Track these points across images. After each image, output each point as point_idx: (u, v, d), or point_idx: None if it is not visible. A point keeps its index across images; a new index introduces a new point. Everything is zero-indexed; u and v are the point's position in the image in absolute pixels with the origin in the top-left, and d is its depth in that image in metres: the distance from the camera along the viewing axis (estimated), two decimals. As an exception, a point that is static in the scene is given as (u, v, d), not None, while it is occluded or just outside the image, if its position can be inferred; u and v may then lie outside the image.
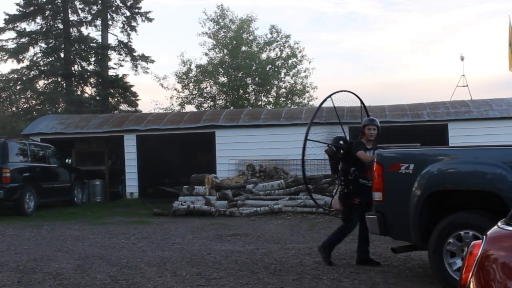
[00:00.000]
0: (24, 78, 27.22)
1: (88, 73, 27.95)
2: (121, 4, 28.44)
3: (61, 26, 27.56)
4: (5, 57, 26.79)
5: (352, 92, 8.47)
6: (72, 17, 27.68)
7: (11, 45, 26.95)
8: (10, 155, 13.71)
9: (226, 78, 32.26)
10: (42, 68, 27.27)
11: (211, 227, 10.79)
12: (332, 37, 53.62)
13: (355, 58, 53.34)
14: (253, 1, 51.35)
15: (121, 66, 29.82)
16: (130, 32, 28.65)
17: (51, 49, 27.11)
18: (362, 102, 8.50)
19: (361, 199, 6.81)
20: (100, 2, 27.50)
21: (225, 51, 32.42)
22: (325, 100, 8.29)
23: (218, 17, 32.71)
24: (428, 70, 52.79)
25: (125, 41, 28.63)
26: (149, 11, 28.61)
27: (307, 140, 8.01)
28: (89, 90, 28.78)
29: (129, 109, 28.81)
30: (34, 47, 27.30)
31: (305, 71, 32.45)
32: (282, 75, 32.58)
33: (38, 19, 27.13)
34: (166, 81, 33.84)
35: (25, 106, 28.35)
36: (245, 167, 15.95)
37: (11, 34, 28.47)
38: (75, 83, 27.89)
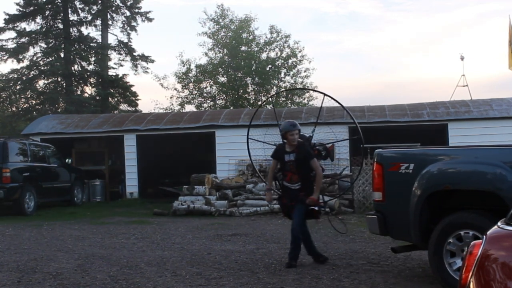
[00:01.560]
0: (24, 78, 27.21)
1: (88, 73, 27.94)
2: (121, 4, 28.45)
3: (61, 26, 27.55)
4: (5, 57, 26.78)
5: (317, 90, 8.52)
6: (72, 17, 27.68)
7: (11, 45, 26.97)
8: (10, 155, 13.72)
9: (226, 78, 32.27)
10: (42, 68, 27.26)
11: (211, 227, 10.79)
12: (332, 37, 53.71)
13: (356, 58, 53.43)
14: (253, 0, 51.40)
15: (121, 66, 29.88)
16: (130, 32, 28.68)
17: (51, 49, 27.09)
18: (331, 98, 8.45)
19: (287, 200, 6.81)
20: (100, 2, 27.50)
21: (225, 51, 32.43)
22: (263, 103, 8.47)
23: (219, 17, 32.74)
24: (428, 70, 52.89)
25: (125, 41, 28.66)
26: (149, 11, 28.65)
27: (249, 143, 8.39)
28: (89, 90, 28.80)
29: (129, 109, 28.81)
30: (34, 47, 27.32)
31: (305, 71, 32.49)
32: (282, 75, 32.59)
33: (38, 19, 27.13)
34: (166, 81, 33.94)
35: (25, 106, 28.34)
36: (245, 167, 15.95)
37: (11, 34, 28.51)
38: (75, 83, 27.88)
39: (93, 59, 28.02)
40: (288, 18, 51.63)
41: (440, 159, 5.67)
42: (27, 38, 26.94)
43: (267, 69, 31.75)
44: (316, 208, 6.71)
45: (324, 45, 52.14)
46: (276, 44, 32.60)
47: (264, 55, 32.55)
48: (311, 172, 6.75)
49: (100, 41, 28.04)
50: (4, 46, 26.80)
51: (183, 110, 30.94)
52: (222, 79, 32.34)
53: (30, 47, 27.16)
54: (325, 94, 8.18)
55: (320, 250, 7.91)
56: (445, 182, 5.53)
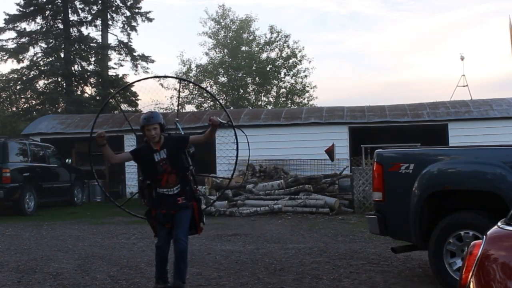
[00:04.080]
0: (24, 78, 27.19)
1: (88, 73, 27.93)
2: (121, 4, 28.43)
3: (61, 26, 27.54)
4: (5, 57, 26.76)
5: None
6: (72, 17, 27.67)
7: (11, 45, 26.95)
8: (10, 155, 13.72)
9: (226, 78, 32.29)
10: (42, 68, 27.25)
11: (211, 227, 10.77)
12: (333, 37, 53.75)
13: (357, 57, 53.49)
14: (255, 0, 51.44)
15: (121, 66, 29.88)
16: (130, 32, 28.65)
17: (51, 49, 27.08)
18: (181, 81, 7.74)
19: (162, 211, 5.41)
20: (100, 2, 27.48)
21: (225, 51, 32.45)
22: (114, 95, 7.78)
23: (219, 17, 32.76)
24: (428, 70, 52.95)
25: (125, 41, 28.64)
26: (149, 11, 28.62)
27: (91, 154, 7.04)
28: (89, 90, 28.78)
29: (129, 109, 28.81)
30: (34, 47, 27.29)
31: (304, 71, 32.51)
32: (282, 75, 32.62)
33: (38, 19, 27.11)
34: (166, 81, 33.90)
35: (25, 106, 28.33)
36: (245, 167, 15.92)
37: (11, 34, 28.50)
38: (75, 83, 27.87)
39: (93, 59, 28.01)
40: (289, 18, 51.75)
41: (440, 159, 5.67)
42: (27, 38, 26.92)
43: (267, 69, 31.77)
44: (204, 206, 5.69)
45: (325, 45, 52.24)
46: (276, 44, 32.63)
47: (264, 55, 32.59)
48: (187, 170, 5.57)
49: (100, 41, 28.03)
50: (4, 46, 26.78)
51: (183, 110, 30.94)
52: (223, 79, 32.37)
53: (30, 47, 27.15)
54: (181, 79, 7.03)
55: (320, 250, 7.93)
56: (445, 182, 5.53)
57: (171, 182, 5.40)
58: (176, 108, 31.99)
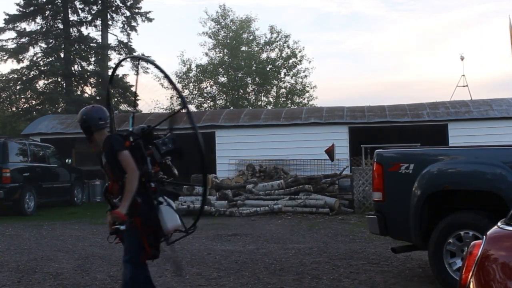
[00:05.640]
0: (24, 78, 27.17)
1: (88, 73, 27.91)
2: (121, 4, 28.41)
3: (61, 26, 27.53)
4: (5, 57, 26.74)
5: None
6: (72, 17, 27.65)
7: (11, 45, 26.91)
8: (10, 155, 13.72)
9: (226, 78, 32.30)
10: (42, 68, 27.23)
11: (211, 227, 10.78)
12: (334, 37, 53.79)
13: (357, 57, 53.51)
14: (255, 0, 51.45)
15: (121, 66, 29.84)
16: (130, 32, 28.62)
17: (51, 49, 27.07)
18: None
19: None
20: (100, 2, 27.47)
21: (225, 51, 32.46)
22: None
23: (220, 17, 32.77)
24: (428, 70, 52.98)
25: (125, 41, 28.62)
26: (149, 11, 28.61)
27: None
28: (89, 90, 28.74)
29: (129, 109, 28.81)
30: (34, 47, 27.26)
31: (304, 71, 32.52)
32: (282, 75, 32.63)
33: (38, 19, 27.08)
34: (166, 81, 33.99)
35: (25, 106, 28.31)
36: (245, 167, 15.95)
37: (11, 34, 28.43)
38: (75, 83, 27.86)
39: (93, 59, 28.00)
40: (290, 18, 51.78)
41: (440, 159, 5.67)
42: (27, 38, 26.91)
43: (267, 69, 31.79)
44: (122, 228, 4.14)
45: (325, 45, 52.27)
46: (276, 44, 32.65)
47: (264, 55, 32.60)
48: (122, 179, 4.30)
49: (100, 41, 28.03)
50: (4, 46, 26.75)
51: (183, 110, 30.94)
52: (222, 79, 32.37)
53: (30, 47, 27.12)
54: (140, 58, 6.07)
55: (320, 250, 7.93)
56: (445, 182, 5.53)
57: (115, 192, 4.37)
58: (176, 108, 32.00)
